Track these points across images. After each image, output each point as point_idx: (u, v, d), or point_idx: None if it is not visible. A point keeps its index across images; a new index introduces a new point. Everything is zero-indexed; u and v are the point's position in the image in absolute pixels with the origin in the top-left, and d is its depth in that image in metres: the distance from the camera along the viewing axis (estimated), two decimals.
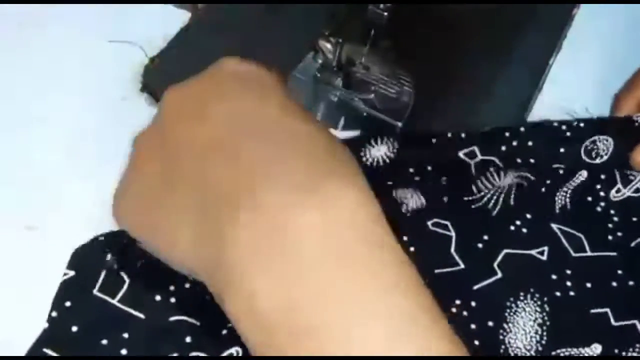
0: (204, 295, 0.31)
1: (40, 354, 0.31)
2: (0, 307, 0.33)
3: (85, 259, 0.33)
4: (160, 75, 0.41)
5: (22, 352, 0.32)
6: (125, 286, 0.32)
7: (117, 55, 0.41)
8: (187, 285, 0.32)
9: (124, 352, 0.31)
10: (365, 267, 0.22)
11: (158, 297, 0.32)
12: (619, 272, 0.36)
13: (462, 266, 0.35)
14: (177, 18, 0.44)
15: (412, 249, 0.34)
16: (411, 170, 0.38)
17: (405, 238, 0.35)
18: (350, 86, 0.41)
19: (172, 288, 0.32)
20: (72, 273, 0.33)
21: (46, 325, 0.31)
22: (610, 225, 0.38)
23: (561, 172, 0.38)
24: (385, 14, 0.40)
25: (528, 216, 0.37)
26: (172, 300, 0.32)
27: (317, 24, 0.43)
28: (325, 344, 0.21)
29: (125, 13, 0.43)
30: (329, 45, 0.41)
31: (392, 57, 0.41)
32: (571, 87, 0.42)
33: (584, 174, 0.38)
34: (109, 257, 0.33)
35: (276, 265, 0.22)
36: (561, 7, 0.45)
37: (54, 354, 0.30)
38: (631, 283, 0.36)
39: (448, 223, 0.36)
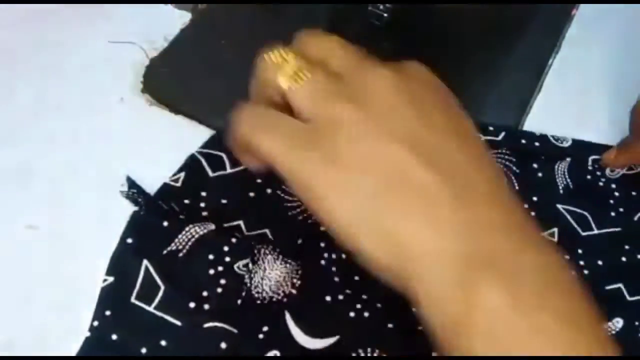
0: (236, 300, 0.32)
1: None
2: (0, 307, 0.33)
3: (122, 265, 0.33)
4: (161, 76, 0.41)
5: (23, 353, 0.32)
6: (161, 293, 0.32)
7: (118, 55, 0.41)
8: (219, 290, 0.32)
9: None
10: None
11: (192, 304, 0.32)
12: (626, 247, 0.37)
13: None
14: (178, 18, 0.44)
15: None
16: None
17: None
18: None
19: (205, 294, 0.32)
20: (111, 279, 0.33)
21: (88, 334, 0.32)
22: (611, 202, 0.38)
23: (543, 157, 0.39)
24: (385, 14, 0.40)
25: (534, 199, 0.37)
26: (206, 307, 0.32)
27: (317, 24, 0.43)
28: None
29: (126, 13, 0.43)
30: None
31: (391, 58, 0.41)
32: (570, 89, 0.42)
33: (567, 160, 0.39)
34: (144, 262, 0.33)
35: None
36: (560, 8, 0.45)
37: None
38: (639, 257, 0.36)
39: None
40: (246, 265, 0.33)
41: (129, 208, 0.35)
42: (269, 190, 0.36)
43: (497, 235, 0.25)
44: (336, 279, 0.34)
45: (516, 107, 0.41)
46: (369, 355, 0.32)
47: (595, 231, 0.37)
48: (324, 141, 0.27)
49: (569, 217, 0.37)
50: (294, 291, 0.33)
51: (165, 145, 0.38)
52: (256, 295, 0.33)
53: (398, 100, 0.28)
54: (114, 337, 0.31)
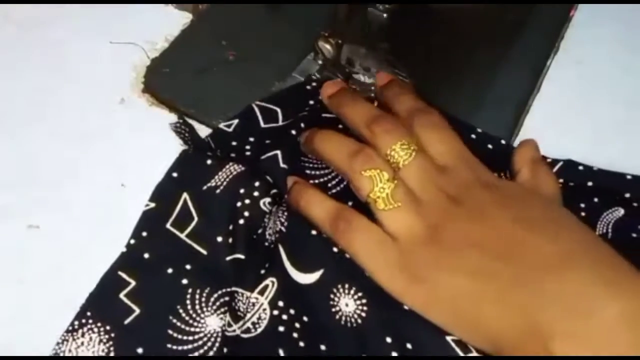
0: (253, 233, 0.35)
1: (114, 276, 0.34)
2: (1, 307, 0.33)
3: (164, 194, 0.36)
4: (162, 76, 0.41)
5: (23, 353, 0.32)
6: (193, 223, 0.35)
7: (118, 56, 0.41)
8: (242, 222, 0.34)
9: (184, 281, 0.34)
10: None
11: (219, 239, 0.34)
12: None
13: None
14: (178, 19, 0.44)
15: None
16: None
17: None
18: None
19: (231, 227, 0.34)
20: (152, 205, 0.36)
21: (124, 250, 0.35)
22: None
23: (596, 200, 0.37)
24: (385, 15, 0.40)
25: None
26: (230, 240, 0.34)
27: (317, 24, 0.43)
28: None
29: (126, 14, 0.43)
30: (328, 46, 0.41)
31: (391, 58, 0.42)
32: (569, 90, 0.42)
33: (620, 211, 0.37)
34: (184, 195, 0.36)
35: (584, 333, 0.26)
36: (559, 8, 0.45)
37: (127, 277, 0.34)
38: None
39: None
40: (270, 203, 0.35)
41: (129, 208, 0.35)
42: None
43: None
44: None
45: (515, 107, 0.41)
46: (346, 291, 0.32)
47: None
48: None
49: None
50: (283, 229, 0.35)
51: (166, 145, 0.38)
52: (267, 236, 0.35)
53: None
54: (146, 255, 0.34)
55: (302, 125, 0.38)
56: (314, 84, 0.40)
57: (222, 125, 0.38)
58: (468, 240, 0.30)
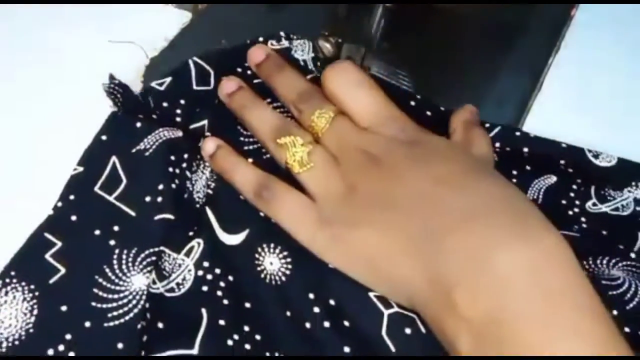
0: (182, 195, 0.35)
1: (41, 238, 0.34)
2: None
3: (93, 158, 0.36)
4: (161, 76, 0.41)
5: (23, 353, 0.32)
6: (122, 186, 0.35)
7: (118, 55, 0.41)
8: (171, 185, 0.35)
9: (112, 242, 0.34)
10: (566, 296, 0.26)
11: (148, 198, 0.35)
12: None
13: None
14: (178, 18, 0.44)
15: None
16: None
17: None
18: None
19: (160, 187, 0.35)
20: (80, 169, 0.36)
21: (51, 212, 0.35)
22: (575, 227, 0.37)
23: (528, 168, 0.38)
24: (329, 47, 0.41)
25: None
26: (159, 199, 0.34)
27: (317, 23, 0.43)
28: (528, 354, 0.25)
29: (126, 13, 0.43)
30: (328, 45, 0.41)
31: (391, 58, 0.41)
32: (570, 89, 0.42)
33: (552, 178, 0.38)
34: (113, 158, 0.36)
35: (483, 283, 0.27)
36: (560, 8, 0.45)
37: (53, 239, 0.34)
38: None
39: None
40: (195, 171, 0.37)
41: None
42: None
43: None
44: None
45: (516, 106, 0.41)
46: (271, 250, 0.33)
47: None
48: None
49: None
50: (210, 191, 0.36)
51: None
52: (197, 199, 0.36)
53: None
54: (74, 218, 0.35)
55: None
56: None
57: (154, 84, 0.39)
58: (381, 197, 0.31)
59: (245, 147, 0.37)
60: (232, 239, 0.34)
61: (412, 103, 0.39)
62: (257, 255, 0.34)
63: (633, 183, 0.37)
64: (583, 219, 0.37)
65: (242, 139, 0.37)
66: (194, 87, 0.39)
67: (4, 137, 0.38)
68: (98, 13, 0.42)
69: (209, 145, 0.36)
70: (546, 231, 0.28)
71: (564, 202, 0.37)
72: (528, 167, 0.38)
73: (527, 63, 0.43)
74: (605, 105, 0.41)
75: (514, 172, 0.38)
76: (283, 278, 0.33)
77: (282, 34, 0.41)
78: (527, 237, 0.28)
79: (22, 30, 0.42)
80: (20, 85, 0.40)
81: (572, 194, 0.38)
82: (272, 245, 0.34)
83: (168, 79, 0.39)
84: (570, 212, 0.37)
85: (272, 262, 0.33)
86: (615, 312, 0.32)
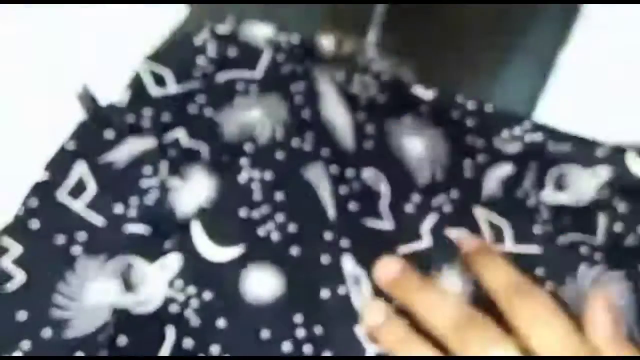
0: (160, 211, 0.35)
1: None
2: None
3: (59, 164, 0.36)
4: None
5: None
6: (90, 193, 0.35)
7: (117, 55, 0.41)
8: (146, 196, 0.35)
9: (75, 249, 0.34)
10: None
11: (118, 209, 0.35)
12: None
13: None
14: (177, 18, 0.43)
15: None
16: None
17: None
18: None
19: (133, 200, 0.34)
20: (46, 175, 0.36)
21: (12, 218, 0.35)
22: (537, 218, 0.36)
23: (480, 158, 0.37)
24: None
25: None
26: (131, 212, 0.34)
27: (316, 24, 0.42)
28: None
29: (125, 13, 0.43)
30: (329, 42, 0.41)
31: (394, 53, 0.41)
32: (579, 83, 0.41)
33: (507, 167, 0.37)
34: (79, 164, 0.35)
35: None
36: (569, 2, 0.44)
37: (13, 243, 0.34)
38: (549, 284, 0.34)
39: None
40: (175, 180, 0.36)
41: None
42: (207, 112, 0.37)
43: None
44: (255, 197, 0.35)
45: (525, 100, 0.40)
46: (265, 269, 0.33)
47: (510, 246, 0.35)
48: None
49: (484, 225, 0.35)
50: (206, 205, 0.35)
51: None
52: (179, 213, 0.35)
53: None
54: (35, 225, 0.34)
55: (199, 101, 0.37)
56: (204, 36, 0.40)
57: (115, 101, 0.38)
58: None
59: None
60: (220, 254, 0.34)
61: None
62: (245, 272, 0.33)
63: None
64: (543, 208, 0.36)
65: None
66: (152, 94, 0.38)
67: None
68: (97, 13, 0.43)
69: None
70: None
71: (519, 196, 0.37)
72: (480, 158, 0.38)
73: (536, 56, 0.41)
74: (618, 96, 0.40)
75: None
76: (271, 298, 0.32)
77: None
78: None
79: (21, 31, 0.42)
80: (19, 85, 0.40)
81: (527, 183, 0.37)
82: (266, 263, 0.33)
83: (126, 93, 0.38)
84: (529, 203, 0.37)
85: (261, 280, 0.33)
86: None
